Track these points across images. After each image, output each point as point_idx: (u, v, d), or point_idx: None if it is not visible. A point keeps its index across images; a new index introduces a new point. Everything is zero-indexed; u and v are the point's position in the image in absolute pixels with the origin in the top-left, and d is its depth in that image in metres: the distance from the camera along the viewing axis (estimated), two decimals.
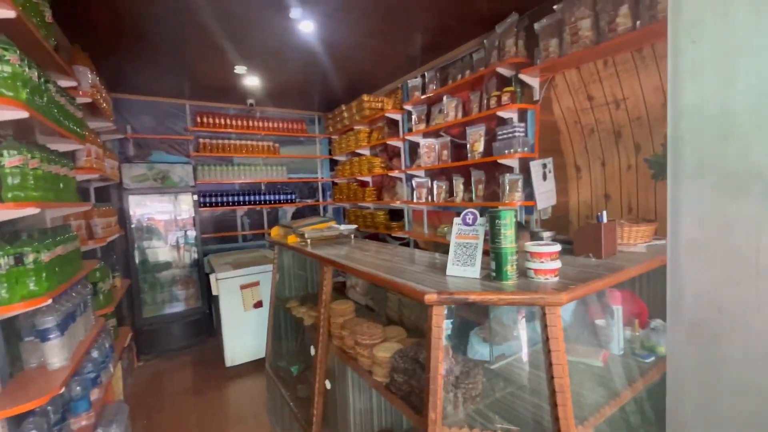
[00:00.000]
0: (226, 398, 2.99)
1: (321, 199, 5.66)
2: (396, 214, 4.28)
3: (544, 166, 2.63)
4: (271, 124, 5.03)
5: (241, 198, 4.77)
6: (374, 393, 1.52)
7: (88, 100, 2.52)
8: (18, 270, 1.41)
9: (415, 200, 3.71)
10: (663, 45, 1.98)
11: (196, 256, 4.31)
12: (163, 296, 4.17)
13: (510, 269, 1.10)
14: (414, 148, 3.87)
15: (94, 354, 2.19)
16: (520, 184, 2.67)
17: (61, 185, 1.91)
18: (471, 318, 1.59)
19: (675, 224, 0.67)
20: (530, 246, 1.12)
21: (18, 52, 1.43)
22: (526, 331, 1.34)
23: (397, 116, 4.03)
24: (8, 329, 1.60)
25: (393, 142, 4.04)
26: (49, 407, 1.63)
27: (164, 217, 4.27)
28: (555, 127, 2.61)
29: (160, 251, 4.24)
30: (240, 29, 2.78)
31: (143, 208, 4.10)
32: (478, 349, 1.47)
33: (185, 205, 4.29)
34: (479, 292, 1.01)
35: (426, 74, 3.55)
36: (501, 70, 2.74)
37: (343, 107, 4.77)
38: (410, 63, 3.67)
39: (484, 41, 2.91)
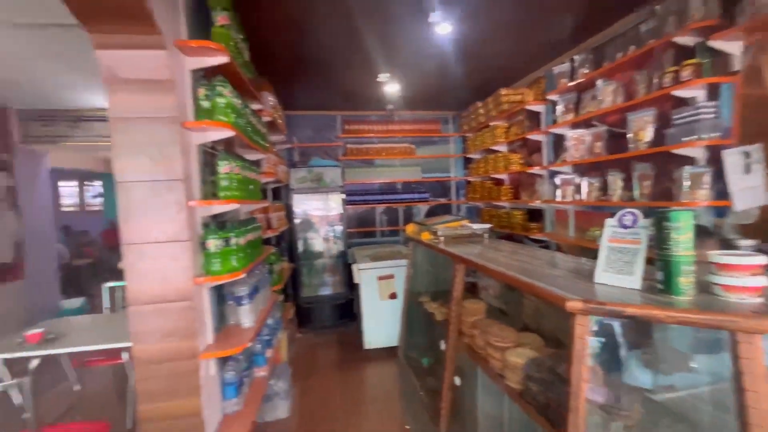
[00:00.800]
0: (364, 378, 3.32)
1: (454, 198, 5.67)
2: (535, 215, 3.95)
3: (748, 155, 2.02)
4: (407, 127, 5.33)
5: (380, 197, 5.20)
6: (505, 398, 1.46)
7: (270, 119, 3.16)
8: (226, 250, 1.88)
9: (558, 199, 3.35)
10: None
11: (342, 248, 4.89)
12: (317, 280, 4.89)
13: (684, 282, 0.90)
14: (559, 141, 3.50)
15: (269, 321, 2.73)
16: (707, 178, 2.13)
17: (252, 187, 2.45)
18: (629, 337, 1.36)
19: None
20: (718, 256, 0.90)
21: (229, 86, 1.90)
22: (707, 362, 1.07)
23: (539, 108, 3.71)
24: (217, 294, 2.15)
25: (534, 137, 3.74)
26: (241, 356, 2.12)
27: (318, 214, 4.99)
28: (766, 105, 1.98)
29: (315, 242, 4.98)
30: (386, 42, 3.03)
31: (303, 205, 4.88)
32: (638, 375, 1.25)
33: (334, 203, 4.92)
34: (640, 306, 0.87)
35: (575, 58, 3.16)
36: (680, 39, 2.23)
37: (479, 104, 4.67)
38: (555, 48, 3.33)
39: (656, 8, 2.41)
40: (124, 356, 2.44)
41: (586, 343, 0.91)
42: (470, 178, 5.27)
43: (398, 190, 5.36)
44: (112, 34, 1.52)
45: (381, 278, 3.85)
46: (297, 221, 4.78)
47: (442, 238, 2.18)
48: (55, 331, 2.39)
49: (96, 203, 10.11)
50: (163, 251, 1.66)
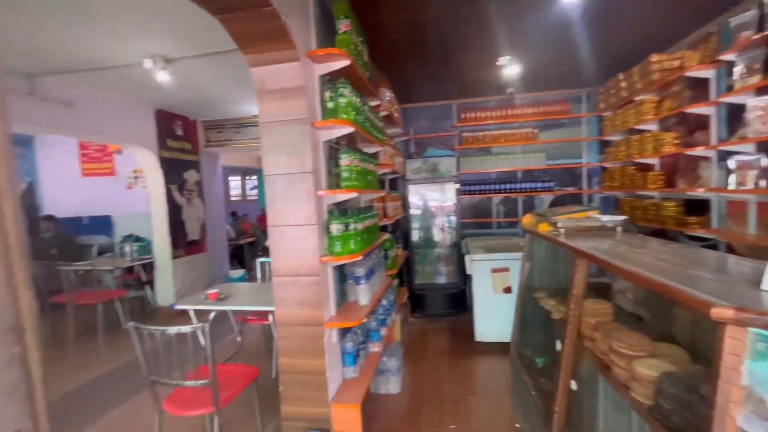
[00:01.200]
0: (474, 369, 3.28)
1: (585, 187, 5.02)
2: (696, 206, 3.21)
3: None
4: (529, 110, 4.92)
5: (497, 186, 4.96)
6: (633, 412, 1.27)
7: (386, 113, 3.34)
8: (346, 234, 2.10)
9: (732, 187, 2.65)
10: None
11: (455, 238, 4.87)
12: (430, 269, 4.99)
13: None
14: (735, 113, 2.75)
15: (384, 302, 2.94)
16: None
17: (369, 177, 2.66)
18: None
19: None
20: None
21: (350, 86, 2.10)
22: None
23: (707, 73, 2.98)
24: (339, 273, 2.43)
25: (696, 110, 3.03)
26: (358, 330, 2.36)
27: (432, 203, 5.06)
28: None
29: (429, 231, 5.08)
30: (507, 22, 2.87)
31: (418, 195, 5.01)
32: None
33: (449, 193, 4.91)
34: None
35: (766, 1, 2.42)
36: None
37: (620, 77, 3.99)
38: None
39: None
40: (270, 318, 2.98)
41: (741, 360, 0.74)
42: (607, 164, 4.57)
43: (518, 179, 5.01)
44: (261, 54, 1.85)
45: (495, 271, 3.71)
46: (412, 210, 4.95)
47: (562, 230, 1.99)
48: (225, 293, 3.07)
49: (253, 194, 12.39)
50: (296, 233, 1.97)
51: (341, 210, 2.33)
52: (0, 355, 0.55)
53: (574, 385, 1.58)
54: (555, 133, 5.04)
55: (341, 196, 2.16)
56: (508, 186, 4.95)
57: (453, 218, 4.92)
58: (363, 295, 2.35)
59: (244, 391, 2.14)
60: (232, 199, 11.17)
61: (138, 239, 5.58)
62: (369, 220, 2.50)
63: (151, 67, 3.25)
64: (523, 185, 4.92)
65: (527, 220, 2.62)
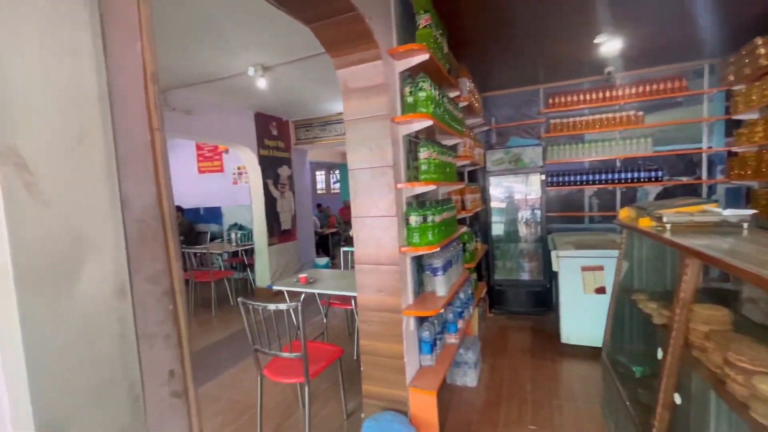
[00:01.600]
0: (559, 371, 3.09)
1: (705, 176, 4.29)
2: None
3: None
4: (633, 90, 4.34)
5: (590, 177, 4.50)
6: None
7: (466, 103, 3.27)
8: (424, 226, 2.15)
9: None
10: None
11: (540, 232, 4.58)
12: (511, 264, 4.78)
13: None
14: None
15: (461, 295, 2.93)
16: None
17: (448, 170, 2.66)
18: None
19: None
20: None
21: (428, 80, 2.12)
22: None
23: None
24: (417, 264, 2.49)
25: None
26: (435, 320, 2.40)
27: (515, 196, 4.81)
28: None
29: (510, 225, 4.85)
30: None
31: (499, 187, 4.81)
32: None
33: (533, 185, 4.62)
34: None
35: None
36: None
37: (758, 41, 3.30)
38: None
39: None
40: (353, 303, 3.18)
41: None
42: (737, 148, 3.84)
43: (616, 168, 4.49)
44: (347, 56, 1.97)
45: (585, 269, 3.41)
46: (492, 203, 4.78)
47: (668, 226, 1.76)
48: (313, 277, 3.36)
49: (336, 187, 13.15)
50: (377, 223, 2.07)
51: (419, 202, 2.37)
52: (160, 310, 0.72)
53: (677, 399, 1.41)
54: (666, 114, 4.38)
55: (420, 188, 2.21)
56: (603, 176, 4.46)
57: (538, 212, 4.63)
58: (440, 286, 2.38)
59: (329, 368, 2.35)
60: (318, 192, 12.02)
61: (241, 227, 6.37)
62: (447, 213, 2.50)
63: (252, 75, 3.67)
64: (623, 175, 4.38)
65: (625, 214, 2.36)
